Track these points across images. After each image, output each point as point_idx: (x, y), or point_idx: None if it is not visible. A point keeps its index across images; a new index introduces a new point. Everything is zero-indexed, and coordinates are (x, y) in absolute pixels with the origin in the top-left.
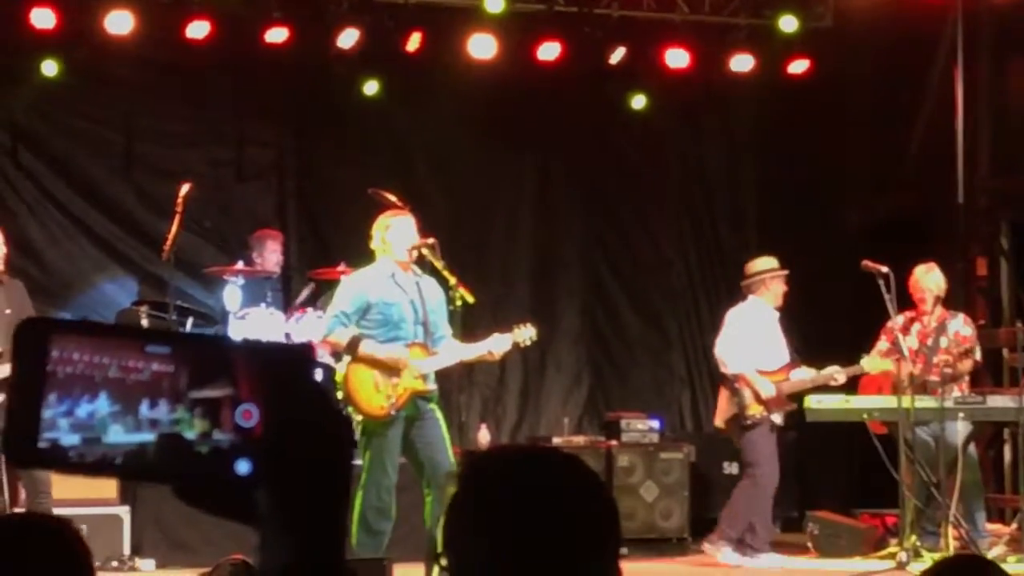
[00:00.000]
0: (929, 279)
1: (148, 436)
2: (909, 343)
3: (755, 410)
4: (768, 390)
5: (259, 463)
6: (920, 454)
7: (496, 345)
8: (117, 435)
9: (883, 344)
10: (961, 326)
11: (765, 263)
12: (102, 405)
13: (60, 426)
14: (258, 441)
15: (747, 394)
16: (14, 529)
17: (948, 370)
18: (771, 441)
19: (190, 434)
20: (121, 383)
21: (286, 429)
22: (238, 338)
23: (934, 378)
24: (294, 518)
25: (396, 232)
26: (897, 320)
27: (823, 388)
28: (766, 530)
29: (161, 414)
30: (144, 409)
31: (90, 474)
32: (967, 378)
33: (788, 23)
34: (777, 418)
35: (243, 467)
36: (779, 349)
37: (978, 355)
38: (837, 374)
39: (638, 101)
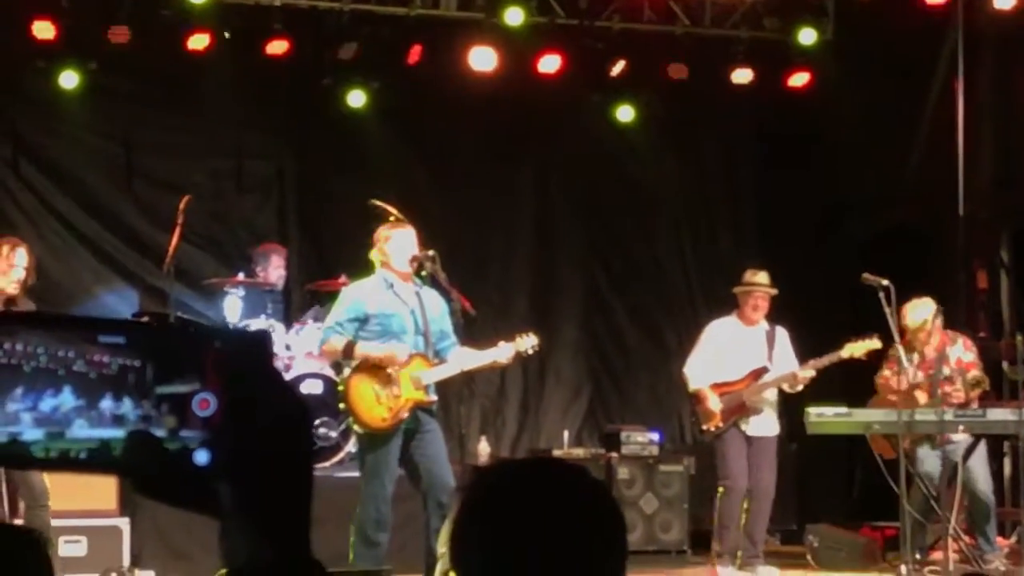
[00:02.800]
0: (916, 317)
1: (113, 432)
2: (914, 377)
3: (709, 423)
4: (713, 405)
5: (217, 453)
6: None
7: (500, 354)
8: (82, 430)
9: (888, 371)
10: (962, 351)
11: (748, 277)
12: (66, 399)
13: (23, 420)
14: (216, 430)
15: (700, 410)
16: None
17: (957, 401)
18: (738, 450)
19: (159, 431)
20: (85, 377)
21: (244, 418)
22: (197, 323)
23: (942, 408)
24: (254, 507)
25: (395, 244)
26: (899, 349)
27: (824, 401)
28: (733, 539)
29: (127, 409)
30: (109, 403)
31: (52, 469)
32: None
33: (807, 36)
34: (746, 426)
35: (201, 457)
36: (744, 358)
37: (987, 382)
38: (800, 371)
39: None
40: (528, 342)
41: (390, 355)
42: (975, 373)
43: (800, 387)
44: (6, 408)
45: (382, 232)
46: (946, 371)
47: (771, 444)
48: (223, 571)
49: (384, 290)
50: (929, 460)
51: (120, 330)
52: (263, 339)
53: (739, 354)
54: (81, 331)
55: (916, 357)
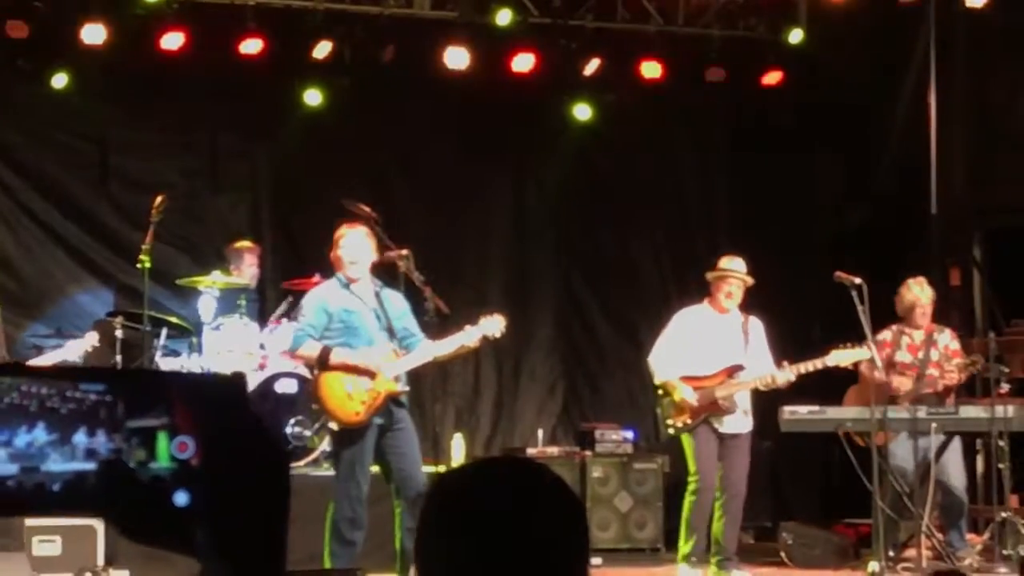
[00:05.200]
0: (927, 294)
1: (87, 465)
2: (901, 357)
3: (674, 420)
4: (688, 396)
5: (197, 495)
6: (898, 467)
7: (467, 338)
8: (56, 464)
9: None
10: (950, 340)
11: (722, 263)
12: (40, 434)
13: None
14: (195, 473)
15: (667, 403)
16: None
17: (950, 383)
18: (710, 447)
19: (130, 463)
20: (58, 412)
21: (222, 461)
22: (172, 370)
23: (929, 390)
24: (232, 548)
25: (344, 248)
26: (885, 335)
27: (797, 398)
28: (703, 541)
29: (99, 443)
30: (82, 438)
31: (29, 509)
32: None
33: (795, 36)
34: (717, 423)
35: (181, 499)
36: (717, 351)
37: (981, 362)
38: (779, 376)
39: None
40: (494, 324)
41: (367, 362)
42: (973, 359)
43: (775, 388)
44: None
45: (337, 232)
46: (934, 355)
47: (744, 441)
48: None
49: (340, 289)
50: (901, 453)
51: (100, 379)
52: (239, 382)
53: (712, 345)
54: (63, 380)
55: (905, 339)
